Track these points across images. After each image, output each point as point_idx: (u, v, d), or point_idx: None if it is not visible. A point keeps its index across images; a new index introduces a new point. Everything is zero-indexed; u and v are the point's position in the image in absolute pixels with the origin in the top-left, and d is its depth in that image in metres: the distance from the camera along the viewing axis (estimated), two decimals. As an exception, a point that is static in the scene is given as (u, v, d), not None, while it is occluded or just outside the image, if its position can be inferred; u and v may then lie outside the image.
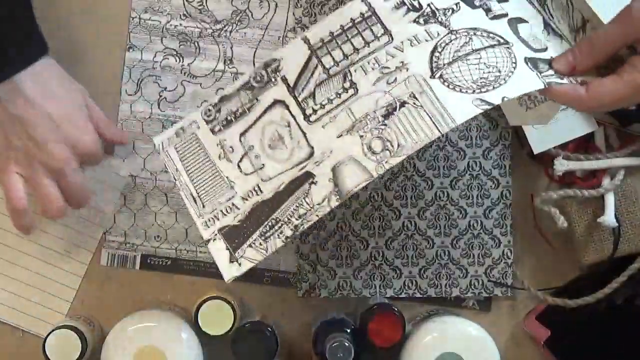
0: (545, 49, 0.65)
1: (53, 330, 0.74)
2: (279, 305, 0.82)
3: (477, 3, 0.66)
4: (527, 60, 0.64)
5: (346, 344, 0.72)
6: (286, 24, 0.82)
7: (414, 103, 0.62)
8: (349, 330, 0.76)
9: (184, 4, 0.81)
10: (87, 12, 0.81)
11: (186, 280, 0.82)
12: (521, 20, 0.66)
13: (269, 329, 0.75)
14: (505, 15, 0.66)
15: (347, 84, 0.64)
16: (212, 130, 0.66)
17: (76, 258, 0.81)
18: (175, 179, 0.67)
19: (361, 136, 0.62)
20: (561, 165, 0.79)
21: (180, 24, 0.81)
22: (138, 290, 0.82)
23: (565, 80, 0.63)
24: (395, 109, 0.62)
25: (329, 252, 0.81)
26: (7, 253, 0.81)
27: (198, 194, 0.66)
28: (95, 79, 0.81)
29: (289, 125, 0.65)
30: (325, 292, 0.81)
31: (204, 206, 0.65)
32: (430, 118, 0.61)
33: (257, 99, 0.66)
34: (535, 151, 0.79)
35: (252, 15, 0.82)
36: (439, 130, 0.60)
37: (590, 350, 0.78)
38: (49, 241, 0.81)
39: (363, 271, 0.81)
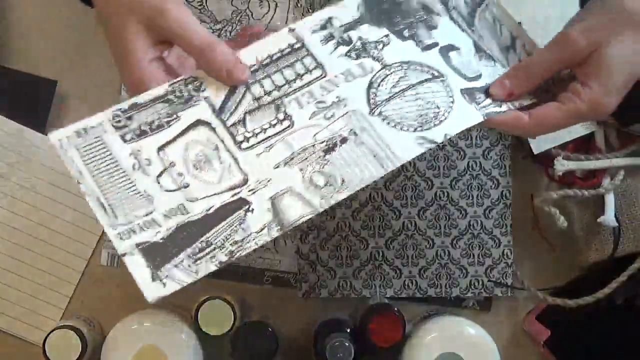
0: (480, 76, 0.66)
1: (53, 330, 0.74)
2: (279, 305, 0.82)
3: (406, 34, 0.65)
4: (463, 92, 0.64)
5: (346, 344, 0.72)
6: (286, 24, 0.82)
7: (355, 140, 0.61)
8: (349, 330, 0.76)
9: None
10: (89, 12, 0.81)
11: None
12: (452, 47, 0.66)
13: (269, 329, 0.75)
14: (436, 44, 0.66)
15: (281, 116, 0.62)
16: (123, 138, 0.60)
17: (76, 253, 0.81)
18: (78, 182, 0.60)
19: (301, 169, 0.60)
20: (561, 165, 0.79)
21: (180, 24, 0.81)
22: (138, 290, 0.81)
23: (504, 107, 0.64)
24: (336, 145, 0.61)
25: (329, 252, 0.81)
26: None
27: (109, 203, 0.60)
28: (96, 76, 0.82)
29: (217, 149, 0.61)
30: (325, 292, 0.81)
31: (116, 217, 0.59)
32: (374, 156, 0.60)
33: (177, 115, 0.61)
34: (535, 151, 0.79)
35: (252, 15, 0.82)
36: (384, 169, 0.60)
37: (590, 350, 0.78)
38: (48, 237, 0.81)
39: (363, 271, 0.81)
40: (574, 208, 0.80)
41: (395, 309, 0.76)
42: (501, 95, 0.64)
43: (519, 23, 0.79)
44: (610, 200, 0.78)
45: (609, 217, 0.77)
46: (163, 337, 0.74)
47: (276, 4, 0.82)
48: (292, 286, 0.82)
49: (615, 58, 0.61)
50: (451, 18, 0.67)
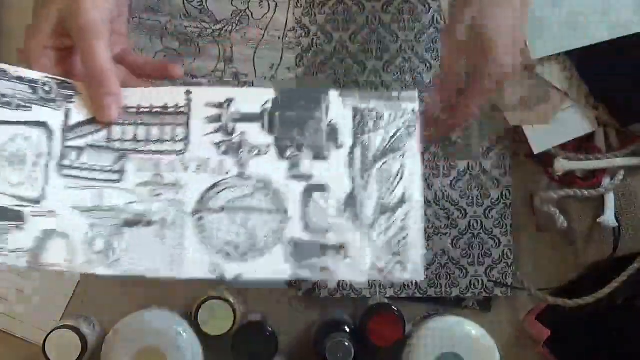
0: (326, 231, 0.59)
1: (53, 330, 0.74)
2: (279, 305, 0.82)
3: (287, 154, 0.60)
4: (291, 242, 0.59)
5: (346, 344, 0.72)
6: (286, 24, 0.82)
7: (159, 231, 0.58)
8: (349, 330, 0.76)
9: (184, 4, 0.81)
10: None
11: (186, 280, 0.81)
12: (322, 189, 0.60)
13: (269, 329, 0.75)
14: (308, 178, 0.60)
15: (116, 167, 0.59)
16: None
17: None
18: None
19: (92, 225, 0.58)
20: (561, 165, 0.79)
21: (180, 24, 0.81)
22: (138, 290, 0.82)
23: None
24: (139, 223, 0.58)
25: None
26: None
27: None
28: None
29: (39, 157, 0.58)
30: (325, 292, 0.81)
31: None
32: (161, 256, 0.58)
33: (30, 106, 0.58)
34: (535, 151, 0.79)
35: (252, 15, 0.82)
36: (168, 272, 0.58)
37: (590, 350, 0.78)
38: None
39: (363, 271, 0.81)
40: (574, 208, 0.80)
41: (395, 309, 0.76)
42: (435, 107, 0.67)
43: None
44: (610, 200, 0.78)
45: (609, 217, 0.77)
46: (163, 337, 0.74)
47: (276, 4, 0.82)
48: (292, 286, 0.82)
49: (494, 28, 0.64)
50: (350, 154, 0.60)
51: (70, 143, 0.59)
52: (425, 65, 0.81)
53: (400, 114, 0.61)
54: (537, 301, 0.81)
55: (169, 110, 0.60)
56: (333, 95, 0.61)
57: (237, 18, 0.82)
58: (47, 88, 0.59)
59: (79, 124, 0.59)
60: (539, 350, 0.81)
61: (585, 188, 0.79)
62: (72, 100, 0.59)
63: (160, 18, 0.81)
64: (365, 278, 0.59)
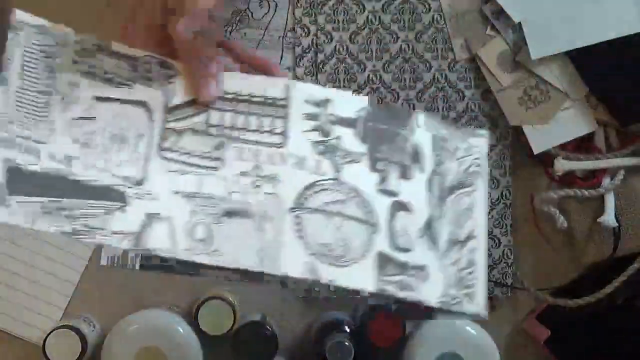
0: (409, 250, 0.60)
1: (53, 330, 0.74)
2: (279, 305, 0.82)
3: (378, 167, 0.60)
4: (379, 255, 0.59)
5: (346, 344, 0.72)
6: (286, 24, 0.82)
7: (259, 223, 0.57)
8: (349, 330, 0.76)
9: (184, 4, 0.81)
10: (88, 14, 0.81)
11: (186, 280, 0.82)
12: (406, 208, 0.60)
13: (269, 329, 0.75)
14: (394, 195, 0.60)
15: (215, 154, 0.58)
16: (74, 64, 0.57)
17: (76, 253, 0.81)
18: (2, 69, 0.56)
19: (192, 211, 0.57)
20: (561, 165, 0.79)
21: (180, 24, 0.81)
22: (138, 290, 0.82)
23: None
24: (238, 214, 0.57)
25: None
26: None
27: (16, 107, 0.56)
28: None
29: (140, 137, 0.57)
30: (325, 292, 0.81)
31: (12, 122, 0.55)
32: (260, 249, 0.57)
33: (131, 83, 0.58)
34: (535, 151, 0.79)
35: (252, 15, 0.82)
36: (261, 267, 0.57)
37: (590, 350, 0.78)
38: (49, 236, 0.81)
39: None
40: (574, 208, 0.80)
41: (395, 309, 0.76)
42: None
43: (519, 23, 0.79)
44: (610, 200, 0.78)
45: (609, 217, 0.77)
46: (163, 337, 0.74)
47: (276, 4, 0.82)
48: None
49: None
50: (429, 180, 0.61)
51: (170, 125, 0.58)
52: (426, 65, 0.81)
53: (473, 150, 0.63)
54: (537, 301, 0.81)
55: (268, 101, 0.59)
56: (420, 117, 0.62)
57: (237, 18, 0.82)
58: (147, 67, 0.58)
59: (179, 106, 0.58)
60: (539, 350, 0.81)
61: (585, 188, 0.79)
62: (172, 81, 0.58)
63: (160, 18, 0.81)
64: (438, 304, 0.60)
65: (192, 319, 0.76)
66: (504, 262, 0.81)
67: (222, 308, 0.75)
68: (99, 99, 0.57)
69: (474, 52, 0.80)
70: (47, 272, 0.81)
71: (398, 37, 0.81)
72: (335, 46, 0.81)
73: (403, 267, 0.59)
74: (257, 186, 0.58)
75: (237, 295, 0.80)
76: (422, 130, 0.62)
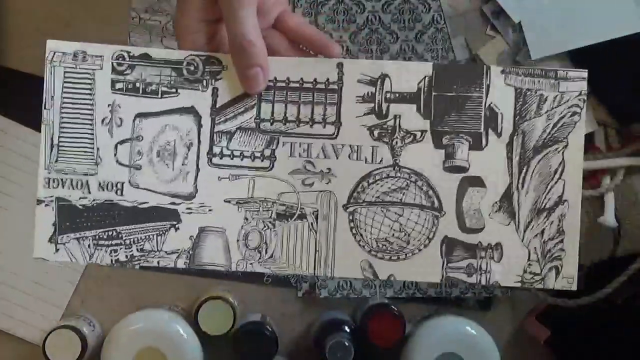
0: (480, 229, 0.56)
1: (53, 330, 0.74)
2: (279, 305, 0.82)
3: (444, 141, 0.56)
4: (444, 242, 0.56)
5: (346, 344, 0.72)
6: (286, 24, 0.82)
7: (312, 224, 0.56)
8: (349, 330, 0.76)
9: (184, 4, 0.81)
10: (89, 12, 0.81)
11: (186, 280, 0.82)
12: (478, 182, 0.56)
13: (269, 329, 0.75)
14: (464, 170, 0.56)
15: (267, 152, 0.56)
16: (114, 84, 0.56)
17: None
18: (46, 106, 0.55)
19: (245, 219, 0.56)
20: (561, 165, 0.79)
21: (180, 24, 0.81)
22: (138, 290, 0.82)
23: (472, 280, 0.56)
24: (292, 217, 0.56)
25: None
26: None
27: (59, 143, 0.56)
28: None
29: (189, 148, 0.56)
30: (325, 292, 0.81)
31: (57, 161, 0.55)
32: (315, 253, 0.55)
33: (177, 90, 0.56)
34: (535, 151, 0.79)
35: (252, 15, 0.81)
36: (315, 272, 0.55)
37: (590, 350, 0.78)
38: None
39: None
40: (574, 208, 0.80)
41: (395, 309, 0.76)
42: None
43: (519, 23, 0.79)
44: (610, 200, 0.78)
45: (609, 217, 0.77)
46: (163, 337, 0.74)
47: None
48: (292, 286, 0.82)
49: None
50: (509, 144, 0.56)
51: (219, 127, 0.56)
52: (425, 65, 0.81)
53: (567, 97, 0.56)
54: (537, 301, 0.81)
55: (319, 85, 0.56)
56: (495, 72, 0.56)
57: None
58: (192, 68, 0.56)
59: (227, 104, 0.56)
60: (539, 350, 0.81)
61: (585, 188, 0.79)
62: (219, 77, 0.56)
63: (160, 18, 0.81)
64: (518, 282, 0.56)
65: (192, 319, 0.76)
66: (504, 262, 0.81)
67: (222, 308, 0.75)
68: (143, 114, 0.56)
69: (474, 52, 0.81)
70: (47, 272, 0.81)
71: (398, 37, 0.81)
72: (335, 46, 0.81)
73: (473, 249, 0.56)
74: (310, 184, 0.56)
75: (237, 295, 0.80)
76: (500, 86, 0.56)
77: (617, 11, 0.77)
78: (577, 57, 0.78)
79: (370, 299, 0.80)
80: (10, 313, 0.81)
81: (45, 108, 0.55)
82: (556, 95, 0.56)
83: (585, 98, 0.56)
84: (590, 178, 0.80)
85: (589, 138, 0.80)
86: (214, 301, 0.75)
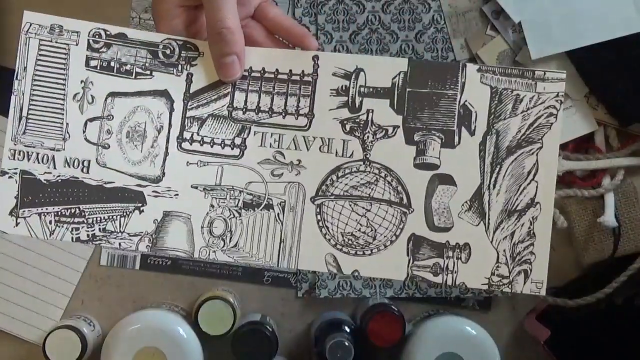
0: (449, 229, 0.55)
1: (53, 330, 0.74)
2: (279, 305, 0.82)
3: (415, 138, 0.55)
4: (411, 239, 0.55)
5: (346, 344, 0.72)
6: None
7: (278, 215, 0.55)
8: (349, 330, 0.76)
9: (184, 4, 0.81)
10: (88, 12, 0.81)
11: (186, 280, 0.82)
12: (449, 180, 0.55)
13: (269, 329, 0.75)
14: (434, 167, 0.55)
15: (238, 140, 0.55)
16: (88, 61, 0.55)
17: (76, 253, 0.81)
18: (17, 76, 0.54)
19: (212, 206, 0.55)
20: (561, 166, 0.79)
21: (180, 24, 0.81)
22: (138, 290, 0.82)
23: (436, 278, 0.55)
24: (258, 206, 0.55)
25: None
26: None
27: (28, 114, 0.55)
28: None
29: (159, 131, 0.55)
30: (325, 292, 0.81)
31: (24, 133, 0.54)
32: (279, 243, 0.55)
33: (151, 72, 0.55)
34: (535, 151, 0.79)
35: (252, 15, 0.81)
36: (279, 264, 0.55)
37: (590, 350, 0.78)
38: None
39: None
40: (574, 208, 0.80)
41: (395, 309, 0.76)
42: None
43: (519, 23, 0.79)
44: (610, 200, 0.78)
45: (609, 217, 0.77)
46: (163, 337, 0.74)
47: (276, 4, 0.82)
48: (292, 286, 0.82)
49: None
50: (482, 143, 0.55)
51: (191, 113, 0.56)
52: (425, 65, 0.81)
53: (544, 98, 0.54)
54: (537, 301, 0.81)
55: (294, 77, 0.56)
56: (471, 70, 0.55)
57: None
58: (168, 51, 0.56)
59: (201, 90, 0.56)
60: (539, 350, 0.81)
61: (585, 188, 0.79)
62: (195, 62, 0.56)
63: (160, 18, 0.81)
64: (485, 285, 0.54)
65: (192, 319, 0.76)
66: (504, 262, 0.81)
67: (222, 308, 0.75)
68: (115, 94, 0.56)
69: (474, 52, 0.80)
70: (47, 272, 0.81)
71: (398, 37, 0.81)
72: (335, 46, 0.82)
73: (440, 248, 0.55)
74: (279, 174, 0.56)
75: (237, 295, 0.80)
76: (476, 84, 0.55)
77: (617, 11, 0.77)
78: (577, 57, 0.78)
79: (370, 299, 0.80)
80: (10, 313, 0.81)
81: (16, 78, 0.55)
82: (533, 96, 0.55)
83: (563, 99, 0.55)
84: (590, 178, 0.80)
85: (589, 138, 0.80)
86: (214, 301, 0.75)
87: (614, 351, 0.77)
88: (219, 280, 0.81)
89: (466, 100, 0.55)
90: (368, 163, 0.55)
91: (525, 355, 0.83)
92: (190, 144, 0.56)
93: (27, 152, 0.55)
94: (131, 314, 0.76)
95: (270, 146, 0.56)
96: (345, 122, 0.56)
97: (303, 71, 0.56)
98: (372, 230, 0.55)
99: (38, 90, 0.55)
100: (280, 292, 0.82)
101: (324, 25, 0.81)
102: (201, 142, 0.56)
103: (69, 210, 0.55)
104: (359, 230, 0.55)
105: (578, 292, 0.79)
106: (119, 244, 0.55)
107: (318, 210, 0.55)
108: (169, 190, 0.55)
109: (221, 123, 0.56)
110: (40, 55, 0.55)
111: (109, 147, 0.55)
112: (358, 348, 0.73)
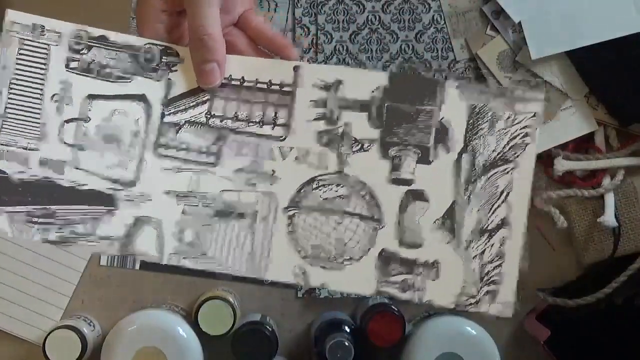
0: (419, 245, 0.55)
1: (53, 330, 0.74)
2: (279, 305, 0.82)
3: (391, 153, 0.55)
4: (381, 254, 0.55)
5: (346, 344, 0.72)
6: (286, 24, 0.82)
7: (251, 225, 0.55)
8: (349, 330, 0.76)
9: (184, 4, 0.81)
10: (88, 12, 0.81)
11: (186, 280, 0.82)
12: (421, 197, 0.55)
13: (269, 329, 0.75)
14: (409, 183, 0.55)
15: (214, 148, 0.55)
16: (67, 62, 0.55)
17: (76, 253, 0.81)
18: None
19: (183, 212, 0.55)
20: (561, 165, 0.78)
21: (180, 24, 0.81)
22: (138, 290, 0.82)
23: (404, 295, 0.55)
24: (230, 215, 0.55)
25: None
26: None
27: (5, 112, 0.55)
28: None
29: (135, 135, 0.55)
30: (325, 292, 0.81)
31: (0, 131, 0.54)
32: (249, 253, 0.55)
33: (131, 76, 0.55)
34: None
35: (252, 15, 0.81)
36: (247, 274, 0.54)
37: (590, 350, 0.78)
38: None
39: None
40: (574, 208, 0.80)
41: (395, 309, 0.76)
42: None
43: (519, 23, 0.79)
44: (610, 200, 0.78)
45: (609, 217, 0.77)
46: (163, 337, 0.74)
47: (276, 4, 0.82)
48: (292, 286, 0.82)
49: None
50: (457, 160, 0.55)
51: (168, 119, 0.55)
52: (425, 65, 0.81)
53: (520, 118, 0.54)
54: (537, 301, 0.81)
55: (274, 87, 0.56)
56: (450, 86, 0.55)
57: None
58: (148, 56, 0.55)
59: (179, 97, 0.56)
60: (539, 350, 0.81)
61: (585, 188, 0.79)
62: (175, 68, 0.56)
63: (160, 18, 0.81)
64: (452, 304, 0.54)
65: (192, 319, 0.76)
66: (504, 262, 0.81)
67: (222, 308, 0.75)
68: (94, 96, 0.56)
69: (474, 52, 0.80)
70: (47, 272, 0.81)
71: (398, 37, 0.81)
72: (335, 46, 0.82)
73: (410, 265, 0.54)
74: (253, 184, 0.55)
75: (237, 295, 0.80)
76: (455, 101, 0.55)
77: (617, 11, 0.77)
78: (577, 57, 0.78)
79: (370, 299, 0.80)
80: (10, 313, 0.81)
81: None
82: (510, 115, 0.55)
83: (542, 119, 0.55)
84: (590, 178, 0.80)
85: (589, 138, 0.80)
86: (214, 301, 0.75)
87: (614, 351, 0.77)
88: (219, 280, 0.81)
89: (444, 117, 0.55)
90: (343, 176, 0.55)
91: (525, 355, 0.83)
92: (166, 150, 0.56)
93: (2, 151, 0.55)
94: (131, 314, 0.76)
95: (246, 155, 0.56)
96: (322, 134, 0.55)
97: (282, 81, 0.56)
98: (342, 244, 0.55)
99: (16, 89, 0.55)
100: (280, 292, 0.82)
101: (324, 25, 0.81)
102: (177, 149, 0.56)
103: (41, 211, 0.55)
104: (329, 243, 0.55)
105: (578, 292, 0.79)
106: (88, 246, 0.55)
107: (289, 221, 0.55)
108: (141, 195, 0.55)
109: (198, 130, 0.56)
110: (21, 53, 0.55)
111: (85, 149, 0.55)
112: (358, 348, 0.73)
